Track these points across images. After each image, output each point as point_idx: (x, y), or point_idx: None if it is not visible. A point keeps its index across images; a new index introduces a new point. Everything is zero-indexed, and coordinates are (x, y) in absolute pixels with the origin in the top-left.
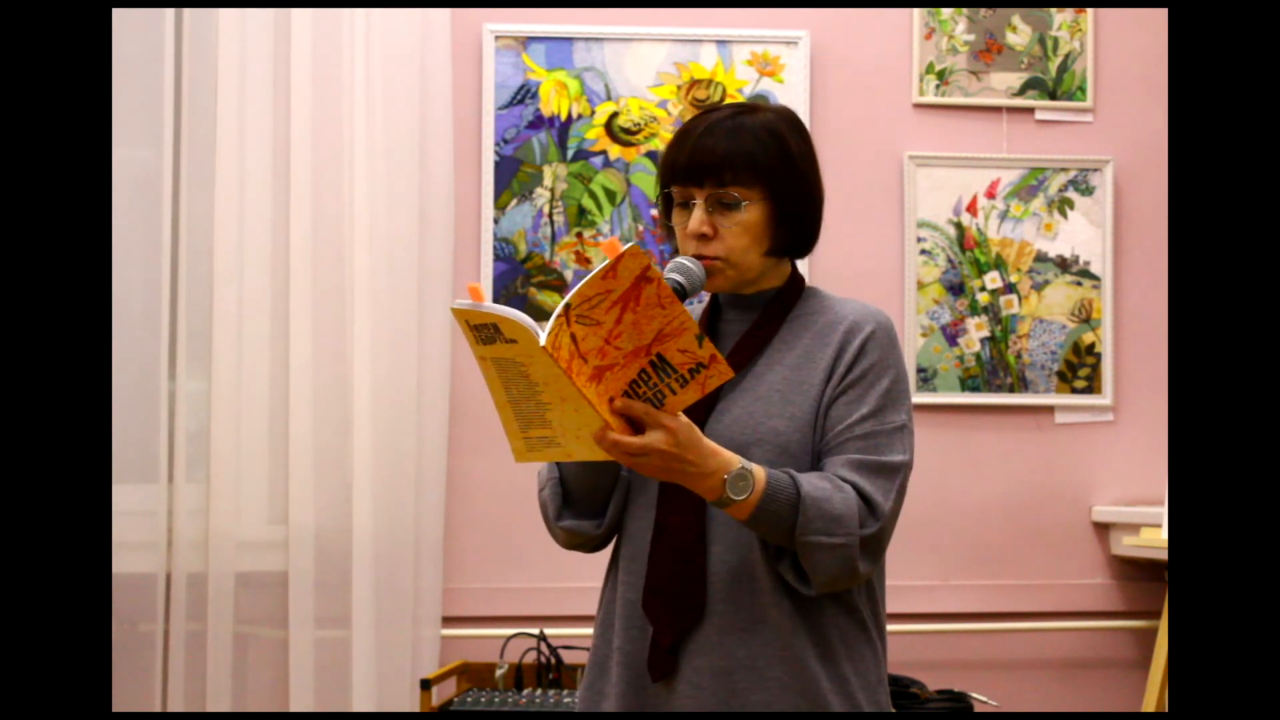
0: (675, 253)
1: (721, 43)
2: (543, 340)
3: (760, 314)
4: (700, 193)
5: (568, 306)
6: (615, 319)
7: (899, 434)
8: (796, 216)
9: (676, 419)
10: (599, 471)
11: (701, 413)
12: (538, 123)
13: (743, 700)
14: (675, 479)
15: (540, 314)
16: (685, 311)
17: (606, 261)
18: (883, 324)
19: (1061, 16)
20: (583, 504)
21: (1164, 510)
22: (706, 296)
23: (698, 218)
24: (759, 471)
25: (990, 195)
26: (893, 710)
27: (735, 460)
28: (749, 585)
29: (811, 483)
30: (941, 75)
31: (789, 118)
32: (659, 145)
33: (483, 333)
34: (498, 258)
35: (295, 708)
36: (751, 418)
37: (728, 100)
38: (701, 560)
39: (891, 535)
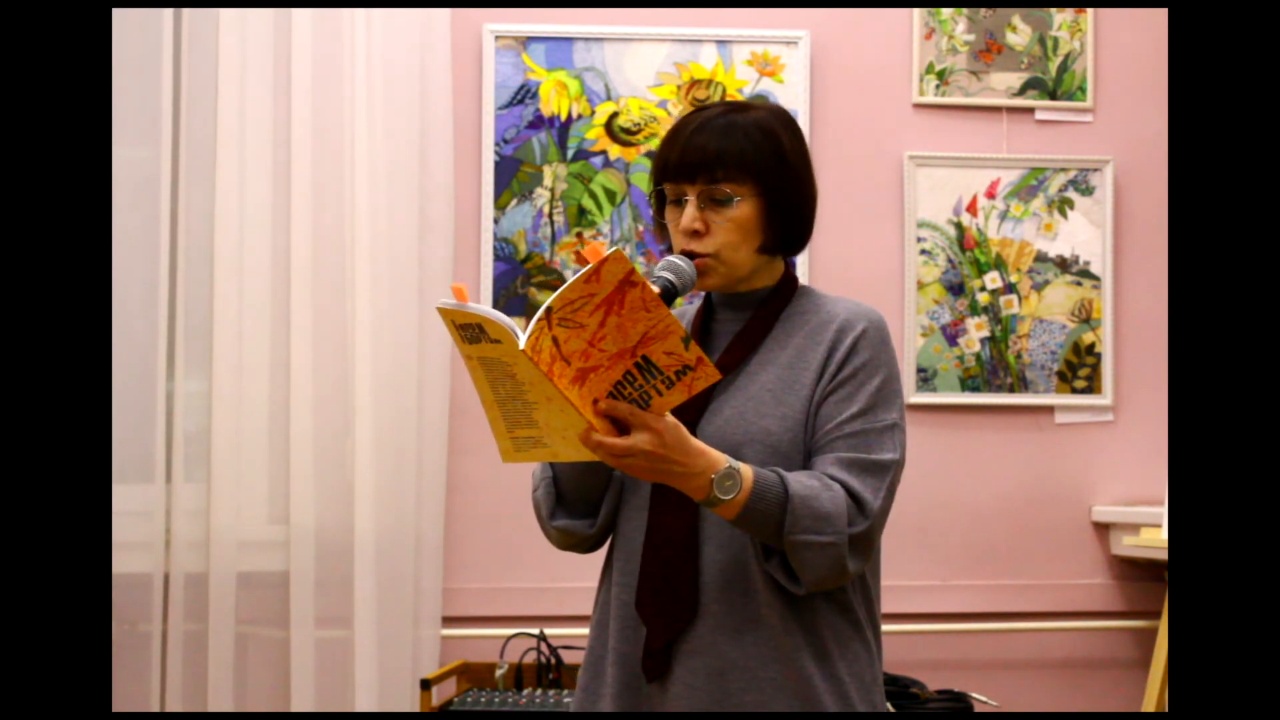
0: (669, 251)
1: (721, 43)
2: (522, 343)
3: (753, 313)
4: (692, 189)
5: (549, 310)
6: (599, 322)
7: (889, 432)
8: (788, 213)
9: (662, 420)
10: (592, 471)
11: (693, 412)
12: (538, 123)
13: (736, 700)
14: (662, 479)
15: None
16: (671, 315)
17: (589, 265)
18: (875, 322)
19: (1061, 16)
20: (576, 504)
21: (1164, 510)
22: (701, 295)
23: (690, 214)
24: (746, 471)
25: (990, 195)
26: (888, 710)
27: (723, 460)
28: (742, 585)
29: (800, 481)
30: (941, 75)
31: (782, 116)
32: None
33: (468, 332)
34: (498, 258)
35: (295, 708)
36: (743, 417)
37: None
38: (694, 560)
39: (881, 533)
